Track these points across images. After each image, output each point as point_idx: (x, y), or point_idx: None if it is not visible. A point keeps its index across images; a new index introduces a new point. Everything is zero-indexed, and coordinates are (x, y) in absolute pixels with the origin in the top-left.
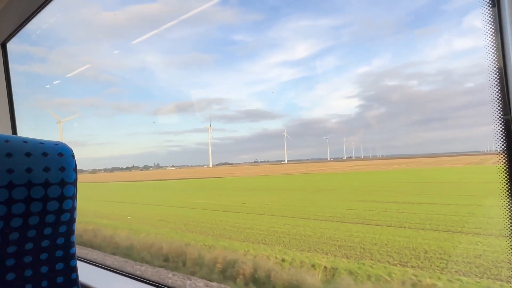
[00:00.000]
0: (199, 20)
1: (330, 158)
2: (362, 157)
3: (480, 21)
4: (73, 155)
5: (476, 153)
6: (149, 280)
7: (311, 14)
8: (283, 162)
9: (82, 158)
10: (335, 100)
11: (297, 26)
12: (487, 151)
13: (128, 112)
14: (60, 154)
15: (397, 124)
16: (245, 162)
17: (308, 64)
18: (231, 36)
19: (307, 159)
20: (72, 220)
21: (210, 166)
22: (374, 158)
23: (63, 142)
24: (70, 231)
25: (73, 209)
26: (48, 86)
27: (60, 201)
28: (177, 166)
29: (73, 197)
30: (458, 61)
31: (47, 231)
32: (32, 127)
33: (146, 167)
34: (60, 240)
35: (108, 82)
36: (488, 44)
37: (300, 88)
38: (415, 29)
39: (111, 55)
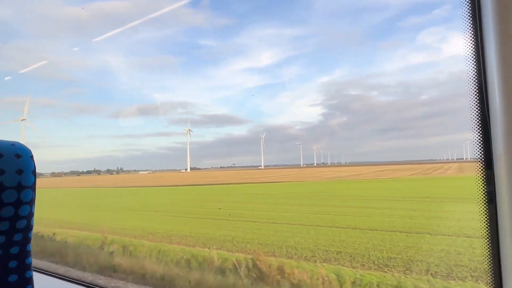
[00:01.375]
0: (166, 22)
1: (303, 164)
2: (329, 163)
3: (432, 38)
4: (31, 157)
5: (431, 161)
6: None
7: (276, 23)
8: (259, 167)
9: (37, 160)
10: (299, 107)
11: (263, 34)
12: (443, 160)
13: (88, 114)
14: (17, 156)
15: (358, 133)
16: (212, 167)
17: (272, 72)
18: (197, 40)
19: (285, 165)
20: (28, 228)
21: (188, 170)
22: (339, 165)
23: (21, 142)
24: (26, 240)
25: (30, 215)
26: None
27: (16, 206)
28: (150, 171)
29: (31, 203)
30: (414, 75)
31: (0, 239)
32: None
33: (109, 171)
34: (15, 250)
35: (67, 81)
36: (468, 54)
37: (264, 95)
38: (375, 42)
39: (71, 52)
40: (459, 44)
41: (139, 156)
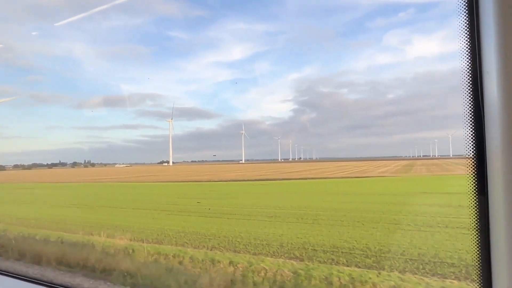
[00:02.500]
0: (136, 10)
1: (281, 159)
2: (302, 159)
3: (397, 40)
4: None
5: (395, 158)
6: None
7: (248, 18)
8: (240, 161)
9: None
10: (269, 103)
11: (235, 28)
12: (408, 156)
13: (50, 103)
14: None
15: (327, 129)
16: (183, 160)
17: (243, 67)
18: (168, 32)
19: (264, 159)
20: None
21: (171, 163)
22: (311, 160)
23: None
24: None
25: None
26: None
27: None
28: (128, 164)
29: None
30: (382, 74)
31: None
32: None
33: (76, 164)
34: None
35: (27, 68)
36: (463, 50)
37: (235, 89)
38: (345, 41)
39: (32, 38)
40: (423, 46)
41: (104, 148)
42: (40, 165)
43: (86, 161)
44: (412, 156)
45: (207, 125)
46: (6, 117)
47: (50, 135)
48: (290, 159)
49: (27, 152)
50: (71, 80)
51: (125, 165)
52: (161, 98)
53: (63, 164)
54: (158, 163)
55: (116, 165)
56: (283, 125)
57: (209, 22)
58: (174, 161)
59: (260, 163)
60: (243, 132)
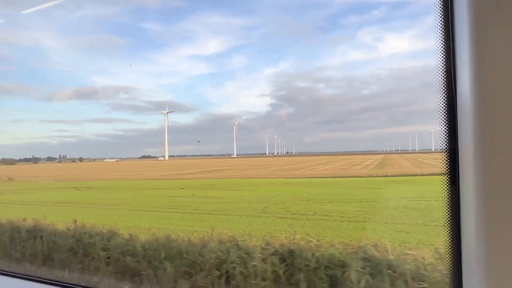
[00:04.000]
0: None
1: (268, 153)
2: (280, 153)
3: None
4: None
5: (368, 152)
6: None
7: (223, 11)
8: (232, 156)
9: None
10: (246, 97)
11: (210, 21)
12: (383, 151)
13: (14, 95)
14: None
15: (304, 124)
16: (162, 155)
17: (218, 61)
18: (141, 23)
19: (248, 154)
20: None
21: (166, 158)
22: (291, 155)
23: None
24: None
25: None
26: None
27: None
28: (117, 158)
29: None
30: (358, 70)
31: None
32: None
33: (51, 159)
34: None
35: None
36: (437, 46)
37: (210, 83)
38: (321, 36)
39: None
40: (396, 44)
41: (74, 143)
42: (8, 161)
43: (62, 156)
44: (388, 151)
45: (184, 119)
46: None
47: (16, 128)
48: (275, 154)
49: None
50: (40, 71)
51: (115, 160)
52: (136, 91)
53: (36, 159)
54: (139, 157)
55: (105, 160)
56: (260, 119)
57: (184, 14)
58: (157, 155)
59: (252, 157)
60: (235, 124)
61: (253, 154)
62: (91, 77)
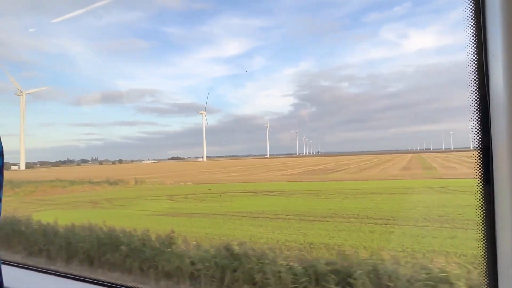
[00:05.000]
0: (133, 4)
1: (298, 153)
2: (309, 153)
3: (393, 34)
4: None
5: (395, 151)
6: (77, 276)
7: (242, 13)
8: (265, 156)
9: None
10: (266, 98)
11: (229, 23)
12: (412, 150)
13: (46, 100)
14: None
15: (326, 123)
16: (195, 157)
17: (238, 62)
18: (163, 27)
19: (277, 154)
20: None
21: (205, 159)
22: (318, 155)
23: None
24: None
25: None
26: None
27: None
28: (155, 160)
29: None
30: (382, 67)
31: None
32: None
33: (84, 161)
34: None
35: (21, 63)
36: (468, 41)
37: (230, 85)
38: (341, 35)
39: (27, 32)
40: (423, 40)
41: (101, 146)
42: (63, 163)
43: (94, 158)
44: (416, 149)
45: (207, 120)
46: (4, 115)
47: (47, 132)
48: (304, 154)
49: (26, 150)
50: (68, 76)
51: (153, 162)
52: (160, 93)
53: (71, 162)
54: (169, 159)
55: (143, 162)
56: (282, 120)
57: (204, 17)
58: (195, 156)
59: (281, 157)
60: (268, 125)
61: (277, 154)
62: (116, 81)
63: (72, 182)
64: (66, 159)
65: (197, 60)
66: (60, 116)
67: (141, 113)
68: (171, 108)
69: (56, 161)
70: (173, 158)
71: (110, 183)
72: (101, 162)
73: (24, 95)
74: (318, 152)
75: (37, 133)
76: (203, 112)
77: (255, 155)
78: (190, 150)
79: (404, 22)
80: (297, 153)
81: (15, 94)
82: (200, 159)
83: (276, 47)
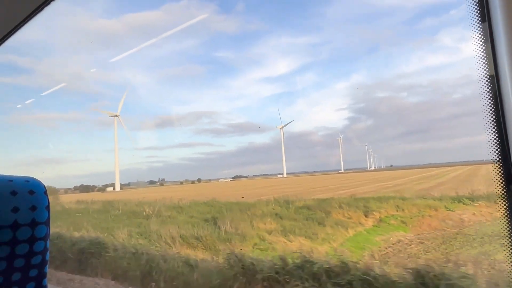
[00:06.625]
0: (190, 32)
1: (371, 167)
2: (376, 167)
3: (451, 39)
4: (45, 192)
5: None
6: None
7: (290, 31)
8: (340, 171)
9: (67, 176)
10: (319, 113)
11: (277, 43)
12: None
13: (111, 127)
14: (31, 192)
15: (383, 136)
16: (256, 174)
17: (288, 80)
18: (214, 52)
19: (348, 169)
20: (44, 263)
21: (285, 175)
22: (380, 169)
23: (35, 178)
24: (41, 275)
25: (45, 250)
26: (28, 102)
27: (31, 243)
28: (230, 178)
29: (45, 238)
30: (444, 73)
31: (16, 276)
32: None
33: (152, 182)
34: (31, 285)
35: (92, 95)
36: (479, 55)
37: (282, 102)
38: (394, 44)
39: (99, 66)
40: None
41: (161, 167)
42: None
43: (161, 179)
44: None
45: (259, 139)
46: (75, 142)
47: (112, 156)
48: (372, 168)
49: (95, 174)
50: (130, 104)
51: (230, 180)
52: (215, 115)
53: (141, 183)
54: (233, 177)
55: (219, 180)
56: (336, 135)
57: (253, 39)
58: (260, 174)
59: (351, 172)
60: (340, 138)
61: (352, 169)
62: (174, 105)
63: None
64: (136, 181)
65: (248, 80)
66: (125, 141)
67: (197, 135)
68: (226, 128)
69: (128, 183)
70: (236, 177)
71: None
72: (181, 182)
73: (118, 116)
74: (391, 165)
75: (104, 158)
76: (280, 126)
77: (315, 171)
78: (243, 169)
79: (462, 25)
80: (368, 167)
81: (109, 116)
82: (281, 176)
83: (327, 62)
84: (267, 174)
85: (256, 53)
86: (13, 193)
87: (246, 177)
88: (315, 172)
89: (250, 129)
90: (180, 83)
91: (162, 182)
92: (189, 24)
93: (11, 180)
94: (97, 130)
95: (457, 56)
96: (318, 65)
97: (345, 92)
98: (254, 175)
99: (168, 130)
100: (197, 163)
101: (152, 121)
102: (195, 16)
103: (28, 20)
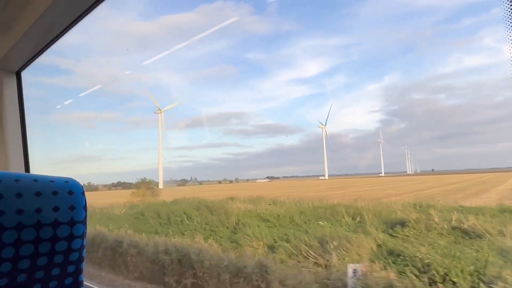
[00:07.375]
0: (223, 33)
1: (411, 171)
2: (414, 171)
3: (492, 39)
4: (83, 193)
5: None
6: None
7: (321, 33)
8: (380, 174)
9: (101, 173)
10: (350, 115)
11: (308, 44)
12: None
13: (143, 127)
14: (70, 192)
15: (418, 139)
16: (285, 176)
17: (318, 82)
18: (245, 54)
19: (388, 172)
20: (80, 259)
21: (326, 177)
22: (416, 173)
23: (74, 179)
24: (78, 271)
25: (82, 248)
26: (67, 102)
27: (69, 240)
28: (268, 178)
29: (82, 236)
30: (486, 74)
31: (55, 271)
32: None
33: (184, 181)
34: (68, 280)
35: (127, 96)
36: None
37: (311, 104)
38: (429, 44)
39: (135, 67)
40: None
41: (190, 167)
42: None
43: (193, 178)
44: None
45: (288, 140)
46: (112, 141)
47: (143, 156)
48: (410, 172)
49: (129, 172)
50: (163, 106)
51: (267, 180)
52: (245, 116)
53: (173, 182)
54: (265, 178)
55: (257, 180)
56: (368, 137)
57: (283, 40)
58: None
59: (392, 176)
60: (381, 140)
61: (365, 174)
62: (204, 106)
63: None
64: (169, 179)
65: (277, 82)
66: (157, 141)
67: (227, 136)
68: (255, 129)
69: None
70: (268, 178)
71: None
72: (220, 181)
73: (162, 113)
74: (433, 170)
75: (136, 157)
76: (322, 126)
77: (346, 174)
78: (271, 170)
79: (505, 24)
80: (407, 171)
81: (154, 113)
82: (322, 178)
83: (358, 64)
84: (297, 176)
85: (287, 55)
86: (54, 193)
87: (277, 178)
88: (346, 175)
89: (278, 130)
90: (211, 84)
91: (200, 181)
92: (222, 25)
93: (53, 181)
94: (130, 130)
95: (499, 57)
96: (349, 67)
97: (378, 94)
98: (284, 177)
99: (198, 130)
100: (226, 163)
101: (184, 122)
102: (229, 17)
103: (73, 26)
